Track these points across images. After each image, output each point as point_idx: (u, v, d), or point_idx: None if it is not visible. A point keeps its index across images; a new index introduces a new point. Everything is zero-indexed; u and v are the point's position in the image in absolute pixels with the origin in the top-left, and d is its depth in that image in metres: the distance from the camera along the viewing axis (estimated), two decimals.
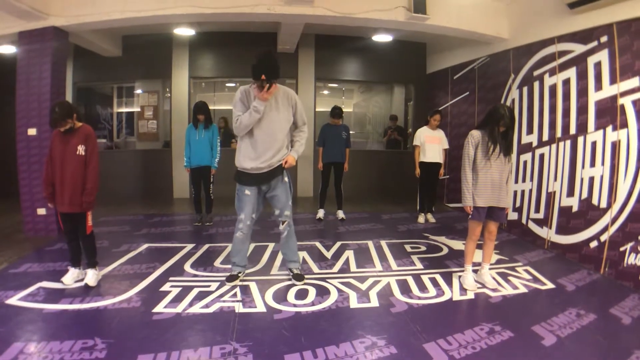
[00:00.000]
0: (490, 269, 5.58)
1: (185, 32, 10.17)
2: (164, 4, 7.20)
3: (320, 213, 8.83)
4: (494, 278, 5.45)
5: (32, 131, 7.29)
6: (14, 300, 4.67)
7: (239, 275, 5.36)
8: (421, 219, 8.81)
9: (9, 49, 8.96)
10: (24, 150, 7.36)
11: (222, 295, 4.90)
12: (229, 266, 5.71)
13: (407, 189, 11.30)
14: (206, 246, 6.82)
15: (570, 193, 6.45)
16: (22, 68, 7.35)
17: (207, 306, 4.61)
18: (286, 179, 5.15)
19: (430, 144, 8.53)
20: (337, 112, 8.50)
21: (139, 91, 12.45)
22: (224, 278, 5.40)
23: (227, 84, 13.89)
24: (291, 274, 5.43)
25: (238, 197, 5.15)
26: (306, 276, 5.44)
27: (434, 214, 9.01)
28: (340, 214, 8.90)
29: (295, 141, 5.21)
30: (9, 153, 8.27)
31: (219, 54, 11.43)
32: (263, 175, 4.99)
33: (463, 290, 5.16)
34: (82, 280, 5.24)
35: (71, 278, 5.19)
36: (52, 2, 7.18)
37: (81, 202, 4.95)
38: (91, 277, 5.17)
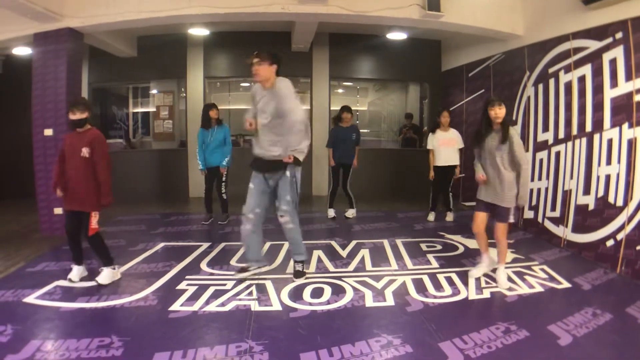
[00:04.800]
0: (506, 267, 5.56)
1: (199, 32, 10.19)
2: (179, 4, 7.22)
3: (331, 212, 8.87)
4: (510, 278, 5.44)
5: (48, 132, 7.36)
6: (31, 298, 4.73)
7: (249, 269, 5.38)
8: (430, 217, 8.79)
9: (24, 51, 9.04)
10: (40, 151, 7.43)
11: (238, 294, 4.92)
12: (245, 265, 5.75)
13: (422, 188, 11.23)
14: (222, 245, 6.86)
15: (587, 191, 6.40)
16: (38, 69, 7.42)
17: (223, 304, 4.64)
18: (288, 173, 5.10)
19: (445, 147, 8.47)
20: (340, 115, 8.63)
21: (154, 91, 12.51)
22: (239, 277, 5.43)
23: (242, 84, 13.91)
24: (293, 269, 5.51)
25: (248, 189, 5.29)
26: (321, 275, 5.45)
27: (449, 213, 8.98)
28: (349, 213, 8.92)
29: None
30: (25, 154, 8.33)
31: (233, 53, 11.43)
32: (265, 162, 5.09)
33: (479, 289, 5.14)
34: (86, 276, 5.37)
35: (76, 274, 5.30)
36: (67, 3, 7.24)
37: (91, 202, 5.06)
38: (104, 275, 5.22)
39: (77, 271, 5.31)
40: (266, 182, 5.17)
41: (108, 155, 5.16)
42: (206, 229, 8.06)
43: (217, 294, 4.90)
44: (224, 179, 8.23)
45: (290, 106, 4.97)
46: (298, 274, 5.41)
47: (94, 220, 5.13)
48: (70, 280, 5.22)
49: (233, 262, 6.08)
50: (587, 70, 6.43)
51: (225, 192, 8.32)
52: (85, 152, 4.98)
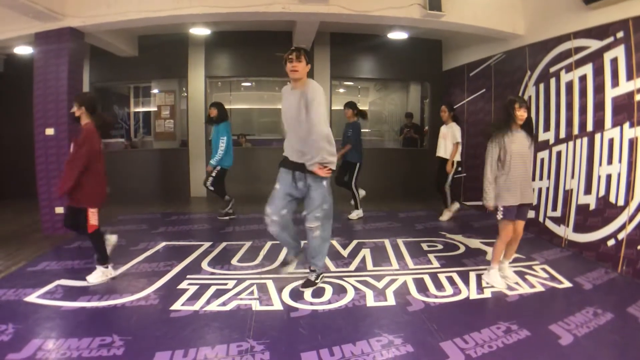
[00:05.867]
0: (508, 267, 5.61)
1: (200, 31, 10.19)
2: (180, 3, 7.22)
3: None
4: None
5: (49, 131, 7.37)
6: (33, 297, 4.74)
7: (290, 261, 5.33)
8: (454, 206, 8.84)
9: (25, 50, 9.05)
10: (42, 150, 7.44)
11: (239, 293, 4.93)
12: (246, 264, 5.76)
13: (424, 188, 11.27)
14: (223, 244, 6.86)
15: (588, 191, 6.40)
16: (39, 69, 7.43)
17: (224, 304, 4.65)
18: (324, 183, 4.90)
19: (443, 140, 8.66)
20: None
21: (155, 91, 12.52)
22: (241, 276, 5.45)
23: (243, 84, 13.94)
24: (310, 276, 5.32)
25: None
26: (323, 274, 5.44)
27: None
28: (353, 215, 8.89)
29: None
30: (26, 153, 8.33)
31: (234, 53, 11.46)
32: (297, 163, 4.88)
33: (480, 289, 5.14)
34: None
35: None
36: (68, 2, 7.24)
37: (84, 197, 5.07)
38: (94, 274, 5.24)
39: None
40: (294, 184, 4.95)
41: (84, 150, 4.97)
42: (207, 228, 8.07)
43: (218, 294, 4.91)
44: (213, 174, 8.33)
45: (317, 117, 4.65)
46: (308, 284, 5.16)
47: (92, 218, 5.14)
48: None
49: (234, 261, 6.08)
50: (588, 69, 6.43)
51: (212, 185, 8.44)
52: (72, 147, 5.03)
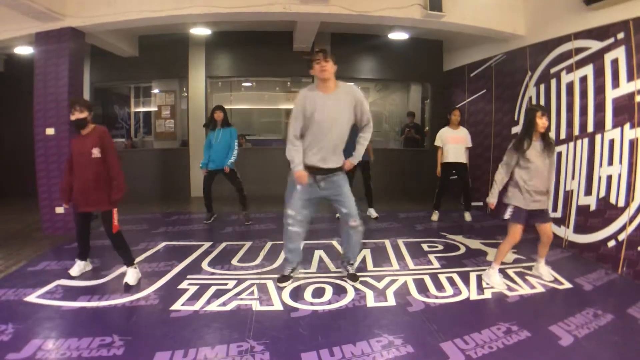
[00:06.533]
0: (507, 268, 5.68)
1: (201, 31, 10.19)
2: (180, 3, 7.22)
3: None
4: (511, 278, 5.45)
5: (50, 131, 7.37)
6: (33, 297, 4.74)
7: (292, 275, 5.31)
8: (434, 216, 8.76)
9: (25, 50, 9.05)
10: (42, 150, 7.43)
11: (239, 294, 4.93)
12: (247, 264, 5.75)
13: (424, 188, 11.27)
14: (223, 244, 6.85)
15: (588, 192, 6.39)
16: (40, 69, 7.42)
17: (224, 304, 4.65)
18: (334, 178, 5.01)
19: (454, 145, 8.47)
20: None
21: (155, 91, 12.52)
22: (241, 276, 5.45)
23: (244, 84, 13.93)
24: (346, 271, 5.42)
25: (289, 192, 5.11)
26: (323, 275, 5.45)
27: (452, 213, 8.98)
28: (372, 212, 8.93)
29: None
30: (26, 153, 8.33)
31: (235, 53, 11.45)
32: (322, 169, 4.89)
33: (480, 289, 5.14)
34: (88, 271, 5.52)
35: (77, 270, 5.38)
36: (68, 2, 7.24)
37: (109, 199, 5.04)
38: (130, 275, 5.21)
39: (78, 267, 5.41)
40: (316, 185, 4.97)
41: (116, 150, 5.17)
42: (207, 228, 8.07)
43: (218, 294, 4.90)
44: (238, 175, 8.18)
45: (369, 112, 5.04)
46: (354, 277, 5.34)
47: (116, 218, 5.14)
48: (69, 275, 5.29)
49: (234, 261, 6.07)
50: (588, 70, 6.43)
51: (243, 188, 8.27)
52: (95, 152, 4.96)
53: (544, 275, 5.47)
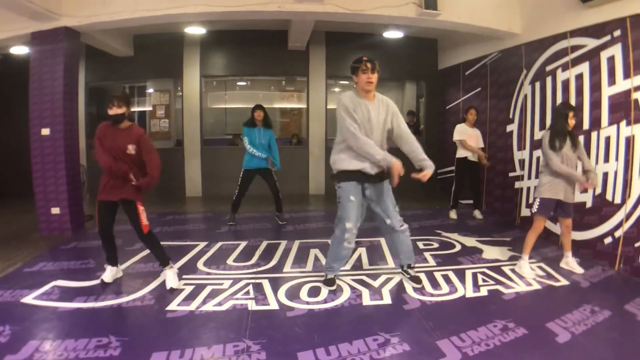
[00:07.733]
0: (504, 265, 5.76)
1: (196, 30, 10.17)
2: (175, 3, 7.20)
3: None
4: (507, 276, 5.50)
5: (45, 131, 7.34)
6: (29, 299, 4.71)
7: (335, 278, 5.23)
8: (452, 214, 8.76)
9: (20, 50, 9.02)
10: (38, 150, 7.41)
11: (235, 293, 4.91)
12: (242, 264, 5.74)
13: (422, 187, 11.24)
14: (219, 244, 6.84)
15: (584, 189, 6.40)
16: (35, 69, 7.40)
17: (220, 304, 4.64)
18: (380, 186, 5.11)
19: (472, 143, 8.50)
20: None
21: (150, 90, 12.49)
22: (237, 276, 5.44)
23: (239, 83, 13.92)
24: (408, 275, 5.35)
25: (342, 206, 4.93)
26: (319, 274, 5.44)
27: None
28: None
29: None
30: (23, 153, 8.30)
31: (230, 52, 11.45)
32: (370, 175, 4.89)
33: (476, 287, 5.14)
34: (120, 277, 5.38)
35: (110, 276, 5.23)
36: (64, 2, 7.22)
37: (135, 189, 4.92)
38: (170, 277, 5.15)
39: (110, 272, 5.25)
40: (363, 193, 5.00)
41: (156, 150, 5.14)
42: (202, 228, 8.07)
43: (214, 294, 4.89)
44: (275, 178, 8.05)
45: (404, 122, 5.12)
46: (417, 279, 5.24)
47: (144, 216, 5.05)
48: (102, 281, 5.17)
49: (230, 261, 6.06)
50: (584, 68, 6.44)
51: (279, 190, 8.12)
52: (131, 149, 4.89)
53: (575, 269, 5.66)
